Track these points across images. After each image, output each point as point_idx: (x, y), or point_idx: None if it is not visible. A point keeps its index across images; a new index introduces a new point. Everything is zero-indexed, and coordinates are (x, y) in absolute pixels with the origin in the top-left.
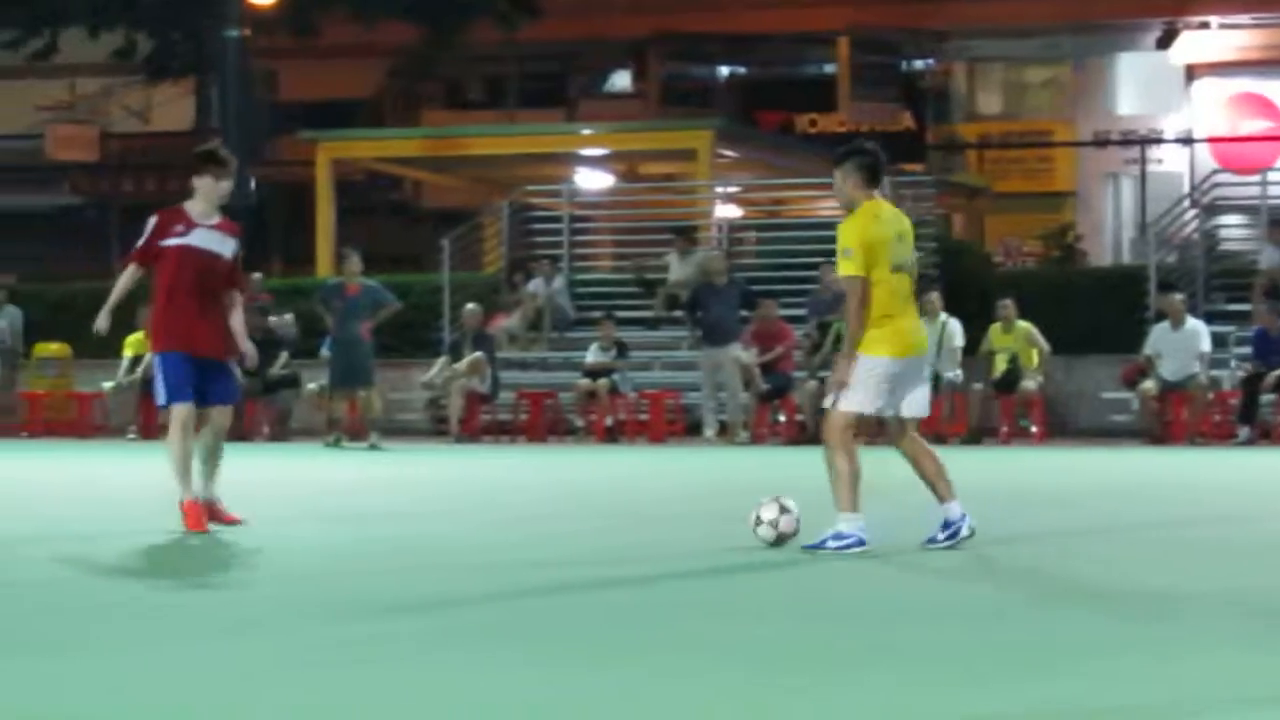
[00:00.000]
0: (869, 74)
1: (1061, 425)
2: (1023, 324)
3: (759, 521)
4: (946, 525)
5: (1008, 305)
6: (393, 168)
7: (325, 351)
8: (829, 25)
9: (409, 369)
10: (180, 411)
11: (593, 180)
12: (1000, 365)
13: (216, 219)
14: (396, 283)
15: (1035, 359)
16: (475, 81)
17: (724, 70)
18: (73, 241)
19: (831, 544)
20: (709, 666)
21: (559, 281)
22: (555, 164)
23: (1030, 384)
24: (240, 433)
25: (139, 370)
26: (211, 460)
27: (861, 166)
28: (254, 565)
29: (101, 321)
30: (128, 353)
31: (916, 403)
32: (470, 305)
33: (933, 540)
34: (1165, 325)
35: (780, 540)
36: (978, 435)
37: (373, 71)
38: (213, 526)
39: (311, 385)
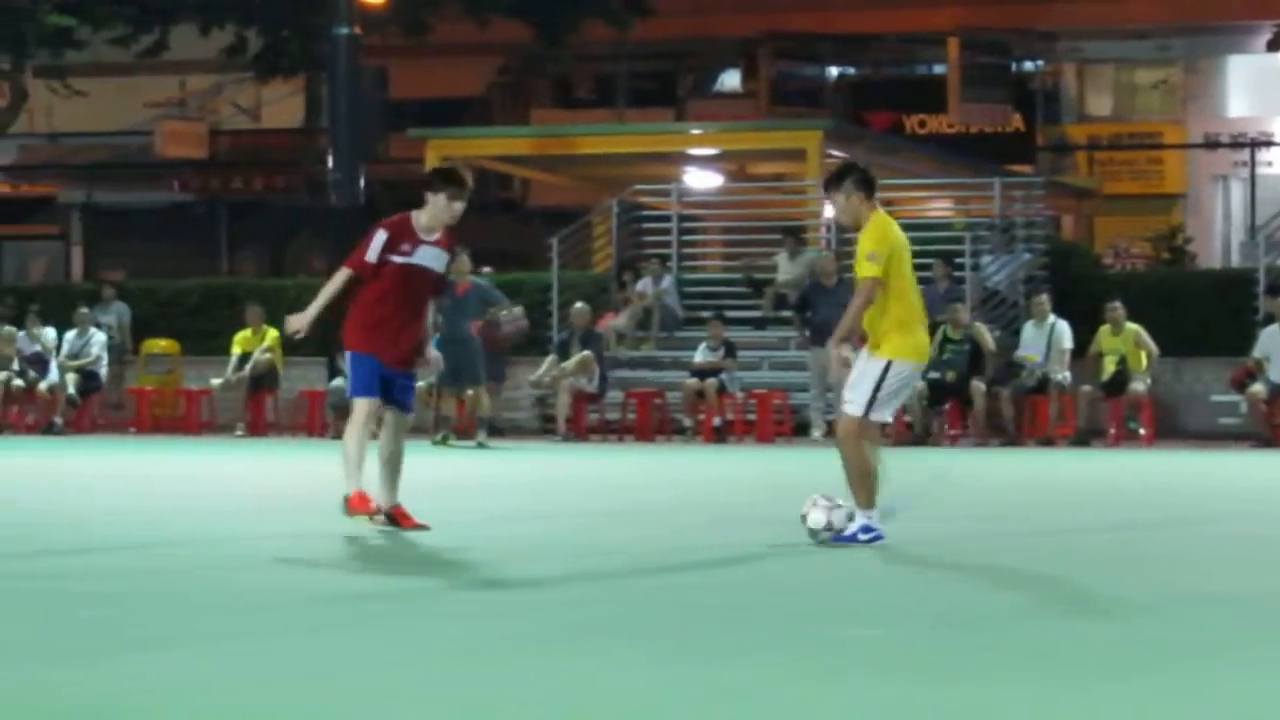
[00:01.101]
0: (978, 74)
1: (1170, 428)
2: (1131, 326)
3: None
4: (866, 529)
5: (1117, 307)
6: (502, 166)
7: (433, 350)
8: (938, 25)
9: (517, 367)
10: (364, 405)
11: (702, 180)
12: (1109, 367)
13: (438, 234)
14: (505, 281)
15: (1144, 361)
16: (585, 80)
17: (833, 70)
18: (181, 238)
19: (861, 536)
20: (829, 669)
21: (668, 281)
22: (664, 163)
23: (1139, 386)
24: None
25: (246, 368)
26: (394, 467)
27: (860, 183)
28: (361, 561)
29: (302, 323)
30: (236, 350)
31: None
32: (579, 304)
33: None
34: (1274, 328)
35: (814, 535)
36: (1086, 437)
37: (483, 70)
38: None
39: (420, 383)
